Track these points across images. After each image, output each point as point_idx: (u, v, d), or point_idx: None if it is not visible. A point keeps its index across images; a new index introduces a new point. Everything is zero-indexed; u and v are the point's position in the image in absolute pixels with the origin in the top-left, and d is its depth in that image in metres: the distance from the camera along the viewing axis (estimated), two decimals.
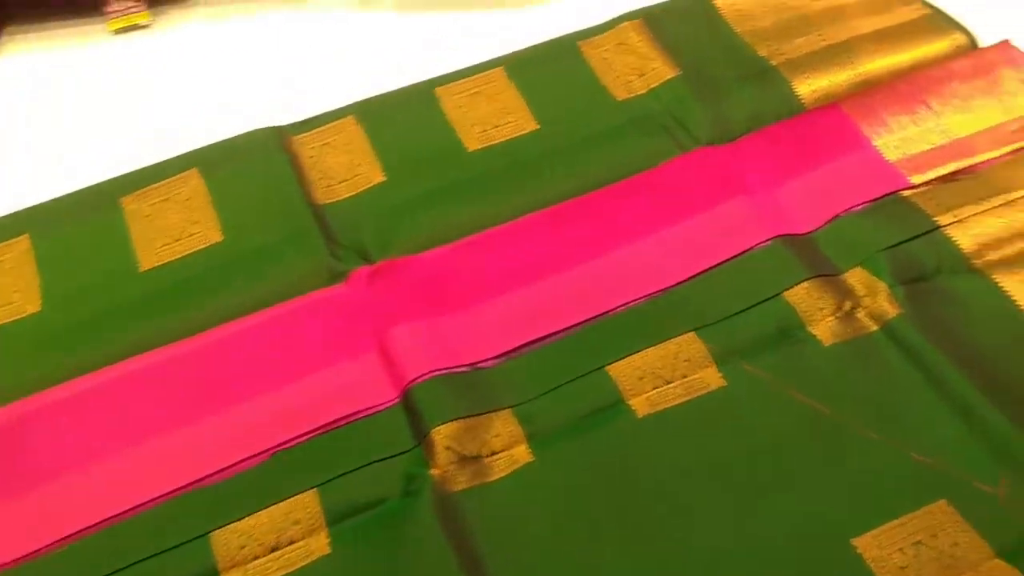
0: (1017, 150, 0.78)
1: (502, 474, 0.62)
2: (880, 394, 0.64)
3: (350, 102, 0.89)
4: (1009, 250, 0.71)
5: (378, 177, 0.82)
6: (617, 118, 0.85)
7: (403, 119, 0.87)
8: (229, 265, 0.77)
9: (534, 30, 0.95)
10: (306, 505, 0.61)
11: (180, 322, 0.73)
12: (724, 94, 0.85)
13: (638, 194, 0.78)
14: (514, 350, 0.69)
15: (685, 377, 0.66)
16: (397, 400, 0.67)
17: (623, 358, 0.67)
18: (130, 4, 1.03)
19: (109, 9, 1.03)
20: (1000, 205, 0.74)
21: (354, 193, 0.81)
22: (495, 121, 0.86)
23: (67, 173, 0.86)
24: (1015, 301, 0.68)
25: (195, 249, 0.78)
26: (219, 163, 0.84)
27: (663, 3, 0.94)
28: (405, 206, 0.80)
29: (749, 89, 0.85)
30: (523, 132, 0.85)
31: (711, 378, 0.66)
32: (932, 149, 0.79)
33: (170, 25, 1.04)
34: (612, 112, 0.86)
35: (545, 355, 0.69)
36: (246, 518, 0.61)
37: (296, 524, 0.61)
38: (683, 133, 0.83)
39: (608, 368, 0.66)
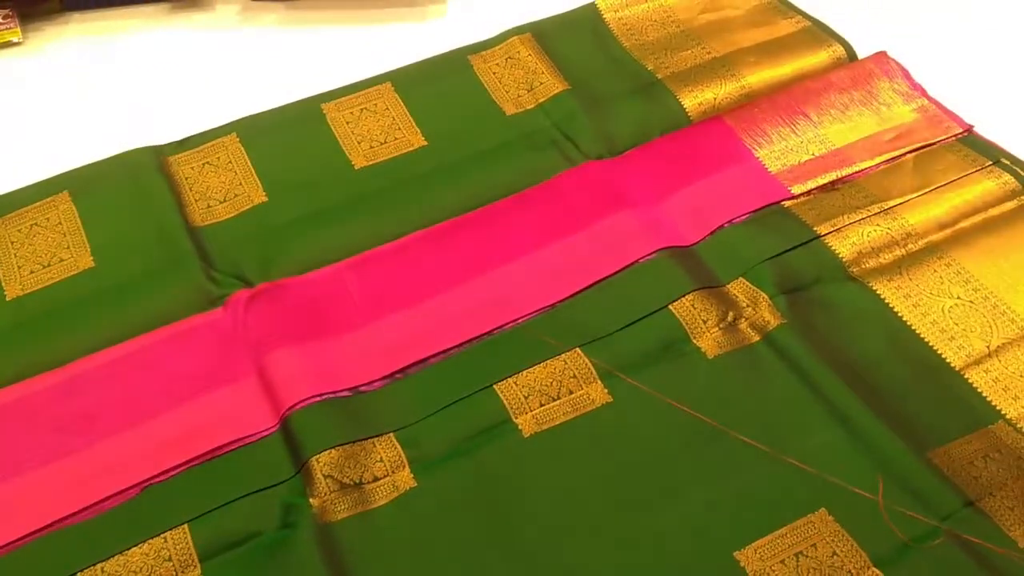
0: (892, 159, 0.80)
1: (383, 501, 0.60)
2: (762, 404, 0.64)
3: (232, 120, 0.86)
4: (886, 258, 0.73)
5: (260, 197, 0.80)
6: (506, 133, 0.84)
7: (288, 136, 0.85)
8: (101, 292, 0.73)
9: (425, 45, 0.94)
10: (177, 541, 0.58)
11: (49, 352, 0.69)
12: (612, 108, 0.85)
13: (524, 210, 0.78)
14: (398, 372, 0.68)
15: (571, 393, 0.65)
16: (276, 428, 0.64)
17: (509, 376, 0.66)
18: (2, 19, 0.99)
19: None
20: (877, 214, 0.75)
21: (234, 214, 0.79)
22: (382, 138, 0.85)
23: None
24: (892, 308, 0.70)
25: (65, 276, 0.74)
26: (91, 185, 0.80)
27: (552, 17, 0.94)
28: (287, 227, 0.77)
29: (636, 103, 0.85)
30: (411, 148, 0.84)
31: (597, 394, 0.65)
32: (811, 160, 0.80)
33: (44, 42, 1.00)
34: (501, 127, 0.85)
35: (429, 376, 0.67)
36: (115, 556, 0.58)
37: (167, 561, 0.58)
38: (571, 147, 0.82)
39: (496, 387, 0.65)
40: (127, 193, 0.80)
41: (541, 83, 0.88)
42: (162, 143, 0.84)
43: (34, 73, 0.97)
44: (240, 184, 0.81)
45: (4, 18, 0.99)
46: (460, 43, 0.93)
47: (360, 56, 0.95)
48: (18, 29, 0.99)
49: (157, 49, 0.99)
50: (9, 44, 0.99)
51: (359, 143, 0.84)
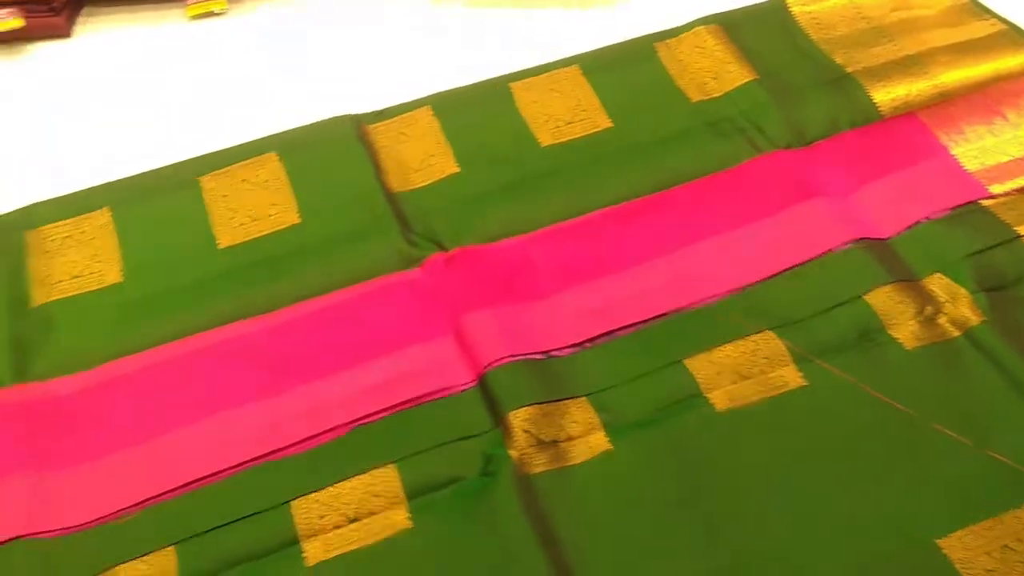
0: None
1: (581, 459, 0.62)
2: (963, 398, 0.63)
3: (425, 95, 0.90)
4: None
5: (452, 168, 0.83)
6: (692, 119, 0.85)
7: (477, 113, 0.88)
8: (306, 246, 0.77)
9: (607, 31, 0.95)
10: (386, 479, 0.62)
11: (257, 299, 0.74)
12: (801, 99, 0.85)
13: (715, 193, 0.78)
14: (588, 341, 0.69)
15: (764, 374, 0.66)
16: (474, 383, 0.67)
17: (700, 353, 0.67)
18: None
19: None
20: None
21: (428, 183, 0.82)
22: (569, 117, 0.87)
23: (143, 150, 0.87)
24: None
25: (273, 229, 0.79)
26: (297, 148, 0.85)
27: (739, 9, 0.95)
28: (478, 197, 0.80)
29: (826, 95, 0.85)
30: (597, 129, 0.86)
31: (790, 376, 0.66)
32: (1011, 161, 0.79)
33: (245, 12, 1.06)
34: (687, 113, 0.86)
35: (620, 347, 0.69)
36: (326, 488, 0.61)
37: (376, 497, 0.61)
38: (759, 136, 0.83)
39: (685, 362, 0.66)
40: (330, 157, 0.84)
41: (728, 72, 0.89)
42: (359, 112, 0.88)
43: (236, 40, 1.03)
44: (433, 155, 0.84)
45: None
46: (642, 30, 0.94)
47: (546, 39, 0.98)
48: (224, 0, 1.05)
49: (350, 24, 1.04)
50: (212, 14, 1.05)
51: (545, 122, 0.87)
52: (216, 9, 1.05)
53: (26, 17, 1.00)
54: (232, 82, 0.97)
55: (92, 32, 1.04)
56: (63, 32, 1.03)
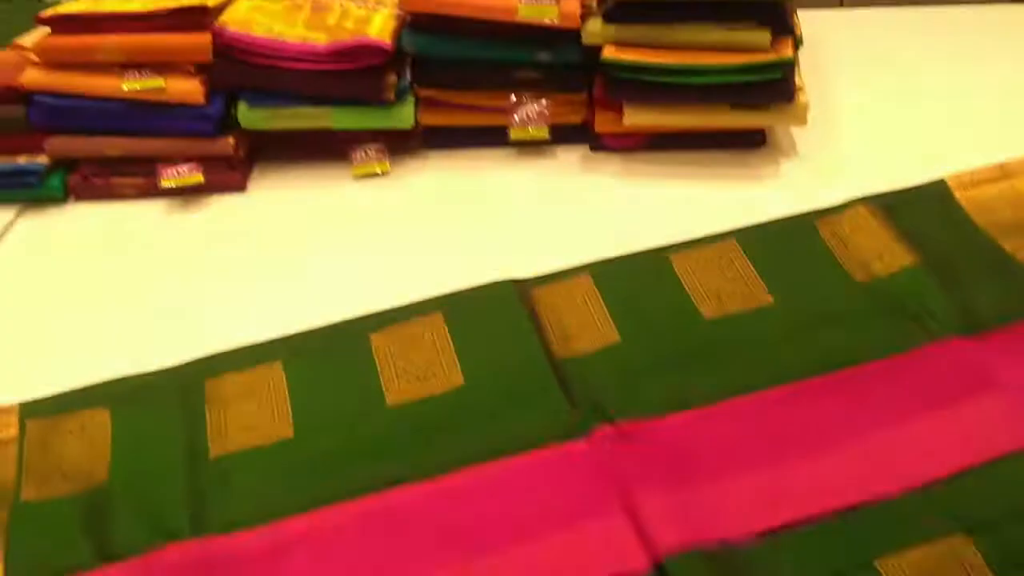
0: None
1: None
2: None
3: (582, 262, 0.91)
4: None
5: (613, 337, 0.84)
6: (858, 300, 0.85)
7: (637, 282, 0.89)
8: (470, 409, 0.78)
9: (763, 206, 0.97)
10: None
11: (424, 461, 0.74)
12: (970, 285, 0.84)
13: (890, 378, 0.77)
14: (767, 531, 0.67)
15: None
16: (649, 570, 0.65)
17: (892, 554, 0.64)
18: (373, 153, 1.11)
19: (354, 156, 1.11)
20: None
21: (591, 351, 0.83)
22: (729, 290, 0.87)
23: (311, 302, 0.90)
24: None
25: (438, 391, 0.80)
26: (462, 309, 0.87)
27: (899, 191, 0.95)
28: (642, 368, 0.80)
29: (996, 282, 0.84)
30: (759, 305, 0.86)
31: None
32: None
33: (407, 174, 1.11)
34: (852, 292, 0.86)
35: (803, 541, 0.66)
36: None
37: None
38: (930, 321, 0.81)
39: (877, 563, 0.64)
40: (493, 320, 0.86)
41: (892, 253, 0.88)
42: (521, 277, 0.90)
43: (397, 201, 1.07)
44: (594, 323, 0.85)
45: (376, 151, 1.11)
46: (797, 207, 0.95)
47: (698, 210, 1.00)
48: (387, 162, 1.11)
49: (505, 188, 1.08)
50: (376, 175, 1.11)
51: (706, 295, 0.87)
52: (380, 170, 1.10)
53: (205, 173, 1.07)
54: (393, 240, 1.01)
55: (265, 188, 1.10)
56: (239, 186, 1.09)
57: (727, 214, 0.96)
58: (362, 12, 1.11)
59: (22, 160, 1.08)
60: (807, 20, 1.15)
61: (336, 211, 1.06)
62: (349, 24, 1.08)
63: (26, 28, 1.10)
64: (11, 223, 1.07)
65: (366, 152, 1.11)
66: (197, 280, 0.97)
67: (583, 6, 1.04)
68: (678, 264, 0.90)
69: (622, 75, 1.03)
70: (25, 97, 1.06)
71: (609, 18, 1.03)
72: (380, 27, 1.07)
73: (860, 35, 1.36)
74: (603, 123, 1.09)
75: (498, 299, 0.88)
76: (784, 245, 0.91)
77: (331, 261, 0.98)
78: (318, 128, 1.09)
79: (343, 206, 1.06)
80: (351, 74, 1.05)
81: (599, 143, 1.11)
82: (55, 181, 1.09)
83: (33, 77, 1.05)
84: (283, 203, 1.07)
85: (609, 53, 1.02)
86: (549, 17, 1.02)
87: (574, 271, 0.91)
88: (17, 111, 1.06)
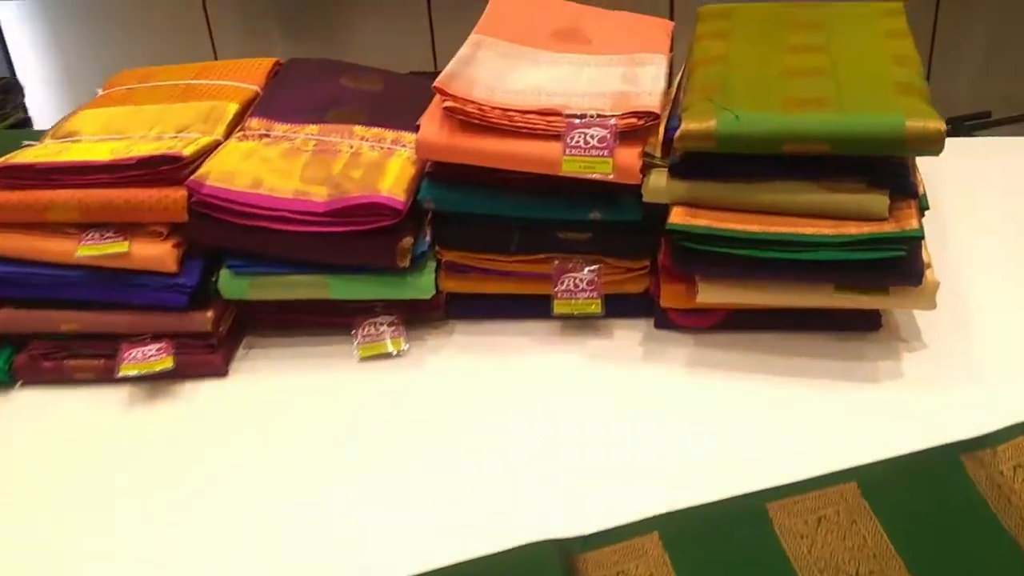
0: None
1: None
2: None
3: (647, 515, 0.68)
4: None
5: None
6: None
7: (721, 543, 0.66)
8: None
9: (891, 437, 0.73)
10: None
11: None
12: None
13: None
14: None
15: None
16: None
17: None
18: (385, 328, 0.90)
19: (361, 333, 0.90)
20: None
21: None
22: (847, 557, 0.64)
23: (309, 528, 0.69)
24: None
25: None
26: None
27: None
28: None
29: None
30: None
31: None
32: None
33: (425, 353, 0.90)
34: (1014, 559, 0.62)
35: None
36: None
37: None
38: None
39: None
40: None
41: None
42: (565, 537, 0.67)
43: (410, 387, 0.86)
44: None
45: (389, 326, 0.90)
46: (938, 436, 0.71)
47: (794, 422, 0.77)
48: (401, 339, 0.90)
49: (546, 376, 0.86)
50: (387, 355, 0.90)
51: (814, 564, 0.64)
52: (394, 350, 0.89)
53: (177, 354, 0.87)
54: (401, 432, 0.80)
55: (249, 373, 0.89)
56: (219, 371, 0.89)
57: (835, 430, 0.74)
58: (375, 155, 0.91)
59: None
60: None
61: (337, 406, 0.85)
62: (357, 174, 0.88)
63: None
64: None
65: (375, 327, 0.90)
66: (154, 491, 0.77)
67: (643, 154, 0.83)
68: (778, 517, 0.67)
69: (694, 244, 0.80)
70: None
71: (676, 173, 0.81)
72: (394, 178, 0.87)
73: (982, 167, 1.12)
74: (670, 297, 0.86)
75: (535, 569, 0.65)
76: (921, 488, 0.68)
77: (330, 475, 0.77)
78: (316, 299, 0.89)
79: (346, 398, 0.85)
80: (356, 236, 0.85)
81: (665, 320, 0.88)
82: None
83: None
84: (271, 392, 0.87)
85: (677, 218, 0.80)
86: (600, 171, 0.81)
87: (635, 527, 0.68)
88: None
